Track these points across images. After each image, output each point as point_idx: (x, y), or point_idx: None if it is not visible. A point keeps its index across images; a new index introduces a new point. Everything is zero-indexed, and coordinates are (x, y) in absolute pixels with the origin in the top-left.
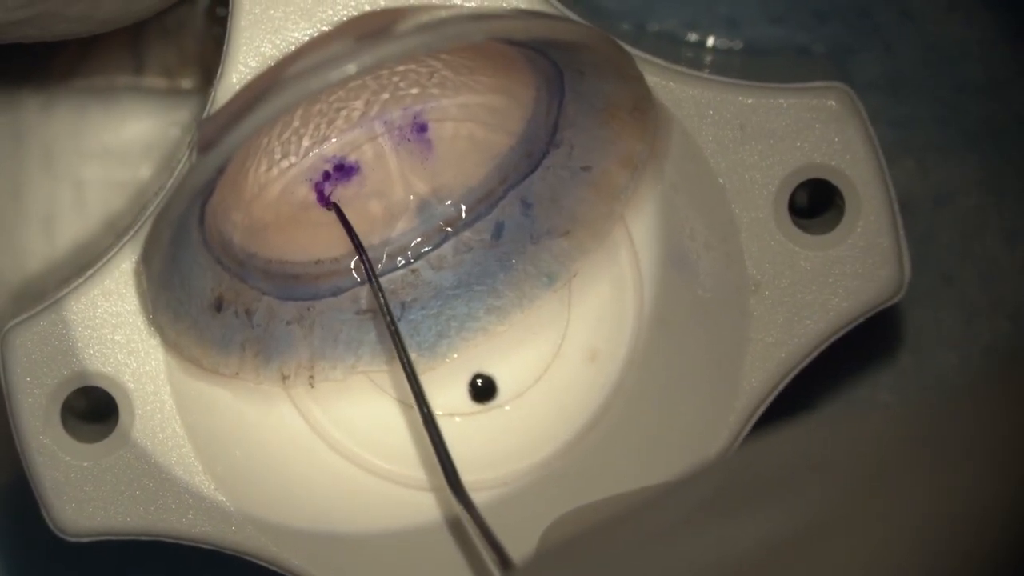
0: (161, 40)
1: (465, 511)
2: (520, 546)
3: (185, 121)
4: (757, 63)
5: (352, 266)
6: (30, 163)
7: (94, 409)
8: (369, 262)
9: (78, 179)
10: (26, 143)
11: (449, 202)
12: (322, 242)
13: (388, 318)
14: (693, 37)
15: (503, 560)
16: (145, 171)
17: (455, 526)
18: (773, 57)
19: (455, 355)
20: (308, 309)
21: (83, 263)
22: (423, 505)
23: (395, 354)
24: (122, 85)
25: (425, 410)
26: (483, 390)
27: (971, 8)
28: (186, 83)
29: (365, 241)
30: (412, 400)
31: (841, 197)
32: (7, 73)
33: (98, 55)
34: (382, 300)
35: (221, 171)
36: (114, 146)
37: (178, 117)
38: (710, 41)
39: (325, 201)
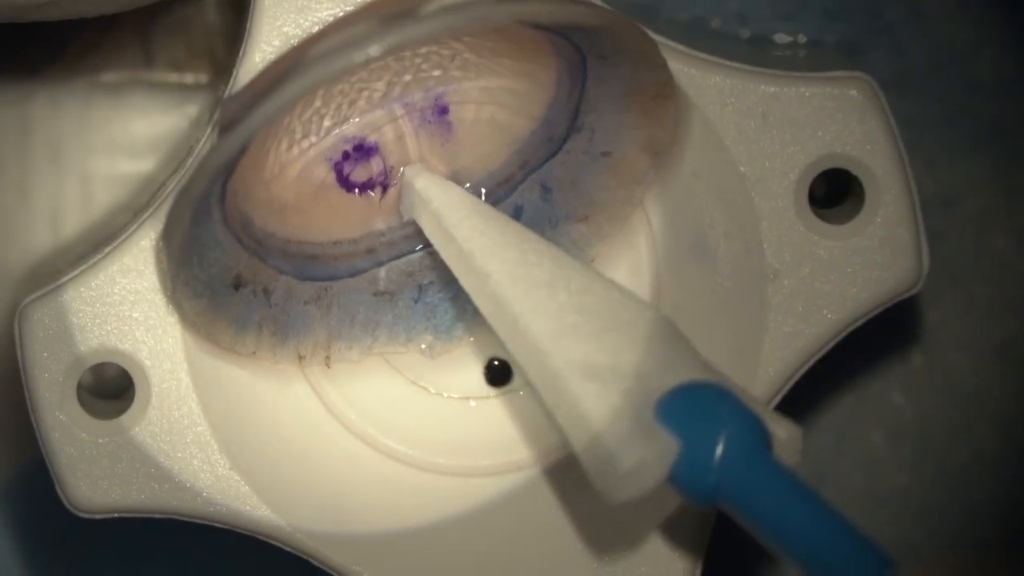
0: (170, 34)
1: None
2: (534, 530)
3: (194, 115)
4: (768, 56)
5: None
6: (37, 157)
7: (110, 386)
8: None
9: (85, 174)
10: (33, 137)
11: (468, 185)
12: (340, 223)
13: None
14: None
15: None
16: (153, 165)
17: (468, 510)
18: (784, 50)
19: (471, 338)
20: (326, 289)
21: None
22: (438, 488)
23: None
24: (130, 79)
25: None
26: (499, 373)
27: (981, 8)
28: (195, 77)
29: (384, 223)
30: (428, 382)
31: (860, 187)
32: (14, 66)
33: (106, 49)
34: None
35: (243, 150)
36: (122, 140)
37: (187, 111)
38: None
39: (343, 181)
